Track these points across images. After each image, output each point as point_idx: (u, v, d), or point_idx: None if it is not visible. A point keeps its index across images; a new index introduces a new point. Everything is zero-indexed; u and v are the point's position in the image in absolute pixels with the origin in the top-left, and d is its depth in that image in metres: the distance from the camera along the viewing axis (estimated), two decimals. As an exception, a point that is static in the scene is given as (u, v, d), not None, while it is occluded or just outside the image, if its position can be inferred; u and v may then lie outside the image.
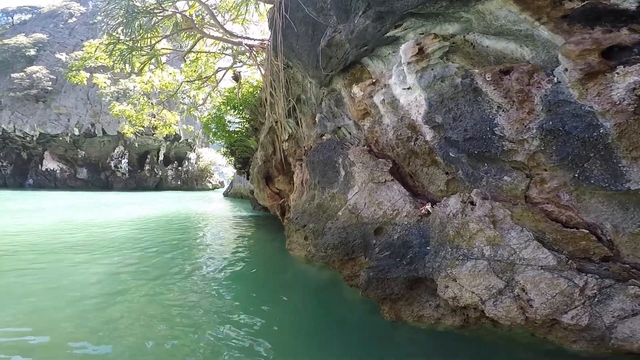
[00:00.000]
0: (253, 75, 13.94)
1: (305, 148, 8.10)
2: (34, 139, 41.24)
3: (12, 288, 5.33)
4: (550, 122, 2.93)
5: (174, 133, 41.19)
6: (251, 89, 12.66)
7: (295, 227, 6.59)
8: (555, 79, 3.00)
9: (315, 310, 4.97)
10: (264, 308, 4.84)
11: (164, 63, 13.22)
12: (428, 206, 4.25)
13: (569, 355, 2.86)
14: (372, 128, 5.24)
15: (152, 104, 13.94)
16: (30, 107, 41.53)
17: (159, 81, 12.87)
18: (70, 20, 50.49)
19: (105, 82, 14.47)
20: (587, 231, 2.71)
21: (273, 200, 11.21)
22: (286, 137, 10.71)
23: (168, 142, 42.75)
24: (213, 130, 13.32)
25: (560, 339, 2.81)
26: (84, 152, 42.31)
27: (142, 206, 18.59)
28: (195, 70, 12.94)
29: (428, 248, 3.77)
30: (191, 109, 14.38)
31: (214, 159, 48.37)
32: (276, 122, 10.22)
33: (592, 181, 2.67)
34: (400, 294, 3.84)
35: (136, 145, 41.28)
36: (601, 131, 2.65)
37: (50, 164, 43.21)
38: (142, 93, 13.65)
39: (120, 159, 42.41)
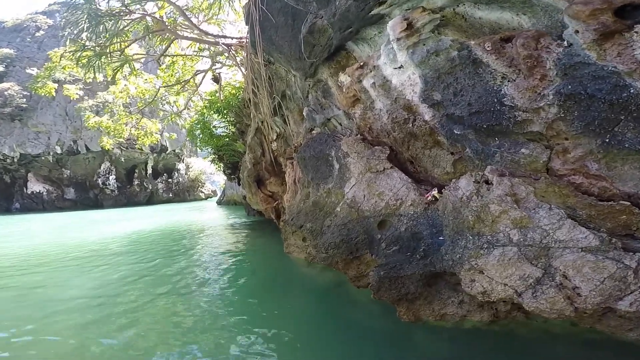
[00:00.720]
0: (234, 76, 13.51)
1: (295, 145, 7.70)
2: (15, 160, 40.00)
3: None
4: (569, 87, 2.58)
5: (158, 143, 40.40)
6: (234, 91, 12.22)
7: (291, 228, 6.20)
8: (566, 42, 2.68)
9: (322, 316, 4.58)
10: (268, 316, 4.46)
11: (138, 69, 12.67)
12: (434, 192, 3.89)
13: (614, 343, 2.52)
14: (364, 115, 4.87)
15: (130, 113, 13.34)
16: (6, 127, 40.04)
17: (134, 89, 12.30)
18: (37, 34, 48.69)
19: (77, 94, 13.83)
20: (629, 203, 2.36)
21: (267, 204, 10.79)
22: (274, 137, 10.32)
23: (155, 154, 41.91)
24: (198, 136, 12.81)
25: (612, 329, 2.47)
26: (69, 171, 41.27)
27: (134, 221, 18.01)
28: (172, 75, 12.42)
29: (442, 238, 3.41)
30: (172, 116, 13.83)
31: (203, 168, 47.64)
32: (262, 122, 9.80)
33: (627, 145, 2.33)
34: (417, 293, 3.47)
35: (122, 160, 40.39)
36: (632, 91, 2.31)
37: (35, 186, 42.05)
38: (118, 103, 13.06)
39: (107, 175, 41.47)
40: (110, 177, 41.40)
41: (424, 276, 3.41)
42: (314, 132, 6.90)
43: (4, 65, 43.95)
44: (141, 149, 39.22)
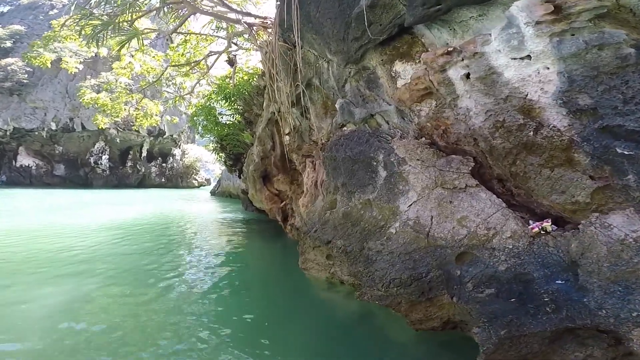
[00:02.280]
0: (247, 62, 12.20)
1: (321, 142, 6.47)
2: (7, 133, 38.09)
3: None
4: None
5: (156, 126, 38.72)
6: (246, 77, 10.92)
7: (313, 242, 4.97)
8: None
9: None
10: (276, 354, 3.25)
11: (146, 45, 11.27)
12: (547, 223, 2.73)
13: None
14: (438, 114, 3.67)
15: (130, 91, 11.90)
16: (4, 101, 38.31)
17: (140, 66, 10.92)
18: (50, 12, 47.03)
19: (76, 68, 12.38)
20: None
21: (272, 203, 9.53)
22: (288, 130, 9.06)
23: (152, 138, 40.22)
24: (201, 123, 11.48)
25: None
26: (61, 148, 39.41)
27: (122, 207, 16.58)
28: (182, 55, 11.07)
29: (561, 282, 2.33)
30: (177, 98, 12.44)
31: (200, 156, 46.02)
32: (278, 111, 8.54)
33: None
34: (539, 352, 2.35)
35: (118, 140, 38.66)
36: None
37: (25, 159, 40.13)
38: (120, 81, 11.61)
39: (100, 154, 39.68)
40: (103, 157, 39.62)
41: (554, 333, 2.28)
42: (345, 128, 5.67)
43: (12, 41, 42.31)
44: (138, 131, 37.52)
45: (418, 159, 3.75)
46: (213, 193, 29.70)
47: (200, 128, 11.87)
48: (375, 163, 4.35)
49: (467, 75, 3.24)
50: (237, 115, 12.15)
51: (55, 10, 47.88)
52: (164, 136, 40.66)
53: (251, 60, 12.16)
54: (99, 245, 7.80)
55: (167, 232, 9.93)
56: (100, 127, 12.49)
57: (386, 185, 4.13)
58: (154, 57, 11.14)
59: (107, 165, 39.86)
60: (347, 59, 5.04)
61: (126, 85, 11.87)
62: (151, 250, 7.47)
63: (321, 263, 5.04)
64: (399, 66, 4.32)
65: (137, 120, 12.46)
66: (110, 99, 11.41)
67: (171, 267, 6.22)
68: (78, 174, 40.02)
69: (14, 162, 39.75)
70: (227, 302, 4.94)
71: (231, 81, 10.36)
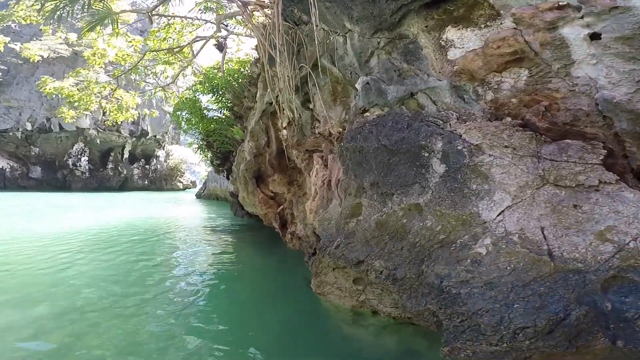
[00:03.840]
0: (238, 50, 10.76)
1: (337, 132, 5.17)
2: (-21, 134, 35.28)
3: None
4: None
5: (138, 127, 36.56)
6: (237, 65, 9.53)
7: (333, 262, 3.65)
8: None
9: None
10: None
11: (122, 30, 9.70)
12: None
13: None
14: (538, 85, 2.43)
15: (103, 81, 10.24)
16: (-25, 100, 35.49)
17: (113, 53, 9.34)
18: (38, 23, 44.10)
19: (38, 56, 10.65)
20: None
21: (267, 207, 8.16)
22: (285, 123, 7.75)
23: (134, 139, 38.03)
24: (185, 116, 9.98)
25: None
26: (37, 149, 36.77)
27: (101, 211, 14.84)
28: (164, 40, 9.58)
29: None
30: (157, 89, 10.85)
31: (185, 157, 43.97)
32: (275, 101, 7.20)
33: None
34: None
35: (98, 141, 36.36)
36: None
37: (-2, 161, 37.28)
38: (90, 70, 9.97)
39: (79, 156, 37.25)
40: (82, 159, 37.16)
41: None
42: (368, 114, 4.38)
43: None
44: (119, 132, 35.41)
45: (506, 146, 2.49)
46: (199, 196, 27.95)
47: (183, 123, 10.36)
48: (426, 154, 3.07)
49: (593, 36, 2.03)
50: (224, 110, 10.73)
51: (42, 20, 45.08)
52: (147, 137, 38.52)
53: (242, 50, 10.72)
54: (61, 258, 6.27)
55: (146, 242, 8.42)
56: (66, 121, 10.77)
57: (447, 183, 2.86)
58: (130, 42, 9.54)
59: (87, 167, 37.45)
60: (377, 26, 3.81)
61: (97, 74, 10.22)
62: (124, 266, 6.00)
63: (345, 288, 3.72)
64: (452, 33, 3.14)
65: (111, 114, 10.78)
66: (78, 89, 9.73)
67: (145, 293, 4.78)
68: (55, 177, 37.42)
69: (-14, 165, 36.89)
70: (219, 338, 3.57)
71: (220, 69, 8.92)
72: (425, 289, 2.61)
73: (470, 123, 2.88)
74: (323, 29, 5.40)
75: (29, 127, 35.47)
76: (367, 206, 3.67)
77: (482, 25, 2.92)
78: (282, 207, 7.70)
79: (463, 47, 3.10)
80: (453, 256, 2.62)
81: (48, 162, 37.39)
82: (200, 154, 12.16)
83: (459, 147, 2.77)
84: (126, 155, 39.15)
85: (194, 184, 45.85)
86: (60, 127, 34.74)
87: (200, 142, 11.10)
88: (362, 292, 3.54)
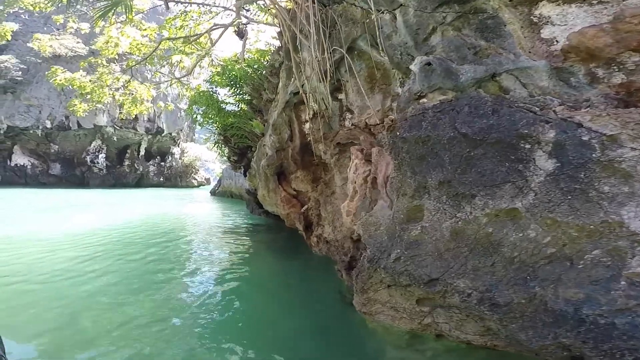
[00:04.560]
0: (257, 40, 10.04)
1: (374, 122, 4.40)
2: (1, 132, 35.68)
3: None
4: None
5: (154, 123, 36.37)
6: (257, 54, 8.83)
7: (389, 277, 2.90)
8: None
9: None
10: None
11: (138, 19, 9.08)
12: None
13: None
14: None
15: (116, 72, 9.65)
16: (-3, 99, 35.87)
17: (127, 42, 8.72)
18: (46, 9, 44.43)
19: (50, 45, 10.11)
20: None
21: (290, 206, 7.44)
22: (310, 116, 7.02)
23: (150, 136, 37.91)
24: (200, 111, 9.29)
25: None
26: (57, 147, 37.01)
27: (118, 208, 14.38)
28: (180, 28, 8.93)
29: None
30: (173, 81, 10.21)
31: (199, 155, 43.73)
32: (302, 90, 6.47)
33: None
34: None
35: (115, 139, 36.34)
36: None
37: (20, 158, 37.65)
38: (103, 59, 9.37)
39: (97, 153, 37.32)
40: (100, 156, 37.22)
41: None
42: (424, 100, 3.58)
43: (6, 39, 39.82)
44: (136, 129, 35.31)
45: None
46: (213, 193, 27.47)
47: (199, 117, 9.67)
48: (527, 146, 2.28)
49: None
50: (242, 103, 10.04)
51: (52, 8, 45.42)
52: (163, 134, 38.36)
53: (260, 40, 9.99)
54: (68, 263, 5.68)
55: (159, 242, 7.81)
56: (78, 115, 10.20)
57: (559, 184, 2.07)
58: (144, 30, 8.90)
59: (104, 165, 37.50)
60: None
61: (108, 65, 9.60)
62: (136, 271, 5.37)
63: (404, 309, 2.95)
64: (548, 9, 2.40)
65: (125, 107, 10.20)
66: (90, 80, 9.15)
67: (155, 305, 4.11)
68: (74, 173, 37.62)
69: (8, 162, 37.23)
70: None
71: (240, 57, 8.20)
72: (549, 317, 1.84)
73: (592, 110, 2.08)
74: (361, 8, 4.66)
75: (48, 124, 35.71)
76: (432, 210, 2.90)
77: (594, 2, 2.20)
78: (306, 207, 6.96)
79: (566, 25, 2.37)
80: (584, 276, 1.84)
81: (67, 159, 37.60)
82: (217, 150, 11.50)
83: (584, 138, 1.98)
84: (142, 152, 39.11)
85: (207, 181, 45.61)
86: (79, 125, 34.84)
87: (217, 138, 10.44)
88: (429, 315, 2.78)
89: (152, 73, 11.06)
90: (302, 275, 5.58)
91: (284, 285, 5.18)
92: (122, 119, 35.16)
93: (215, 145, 11.09)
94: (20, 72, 36.53)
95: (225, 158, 12.98)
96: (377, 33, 4.33)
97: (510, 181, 2.38)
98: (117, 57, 9.43)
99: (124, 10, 7.86)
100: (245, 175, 12.09)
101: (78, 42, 35.49)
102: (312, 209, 6.78)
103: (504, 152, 2.42)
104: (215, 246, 7.63)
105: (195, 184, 44.12)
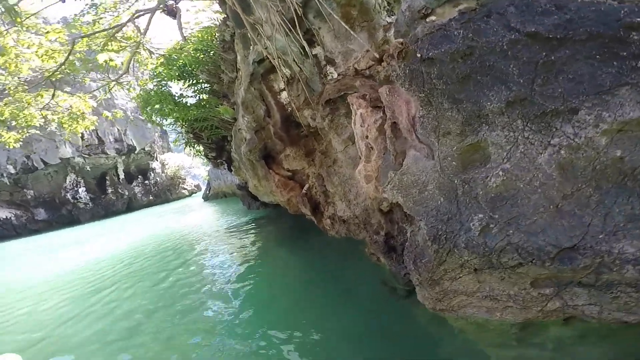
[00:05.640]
0: (198, 23, 8.46)
1: (397, 47, 3.23)
2: (-31, 191, 33.22)
3: None
4: None
5: (123, 143, 34.18)
6: (204, 35, 7.42)
7: (479, 259, 1.85)
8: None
9: None
10: None
11: (37, 21, 7.39)
12: None
13: None
14: None
15: (31, 88, 7.89)
16: (-53, 160, 33.07)
17: (32, 51, 7.00)
18: None
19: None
20: None
21: (288, 190, 6.34)
22: (284, 83, 5.83)
23: (123, 157, 35.85)
24: (154, 108, 7.87)
25: None
26: (32, 191, 34.76)
27: (105, 239, 13.12)
28: (95, 24, 7.36)
29: None
30: (110, 84, 8.63)
31: (181, 163, 41.87)
32: (266, 54, 5.22)
33: None
34: None
35: (88, 168, 34.26)
36: None
37: (0, 212, 35.38)
38: (15, 79, 7.71)
39: (76, 188, 35.26)
40: (80, 190, 35.14)
41: None
42: (433, 18, 2.42)
43: None
44: (106, 153, 33.26)
45: None
46: (206, 198, 26.16)
47: (153, 116, 8.25)
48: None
49: None
50: (203, 95, 8.66)
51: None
52: (136, 152, 36.30)
53: (202, 22, 8.37)
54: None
55: (158, 269, 6.70)
56: (11, 146, 8.64)
57: None
58: (48, 33, 7.13)
59: (87, 198, 35.53)
60: None
61: (21, 81, 7.94)
62: (160, 300, 4.30)
63: (508, 296, 1.93)
64: None
65: (65, 125, 8.62)
66: (5, 103, 7.52)
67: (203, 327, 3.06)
68: (61, 214, 35.61)
69: (-10, 218, 35.01)
70: None
71: (181, 39, 6.81)
72: None
73: None
74: None
75: (12, 170, 33.29)
76: (502, 144, 1.85)
77: None
78: (307, 186, 5.86)
79: None
80: None
81: (48, 202, 35.48)
82: (190, 149, 10.18)
83: None
84: (122, 175, 37.12)
85: (198, 187, 43.98)
86: (44, 162, 32.57)
87: (186, 137, 9.12)
88: (555, 298, 1.77)
89: (81, 79, 9.35)
90: (325, 266, 4.57)
91: (310, 282, 4.16)
92: (87, 145, 32.96)
93: (187, 146, 9.78)
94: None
95: (202, 156, 11.66)
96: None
97: (628, 83, 1.34)
98: (31, 72, 7.81)
99: (9, 15, 6.22)
100: (230, 170, 10.87)
101: None
102: (314, 187, 5.69)
103: (606, 48, 1.38)
104: (223, 252, 6.56)
105: (187, 194, 42.48)
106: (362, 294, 3.30)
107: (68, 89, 9.94)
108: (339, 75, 4.28)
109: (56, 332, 3.97)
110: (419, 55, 2.35)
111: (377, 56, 3.42)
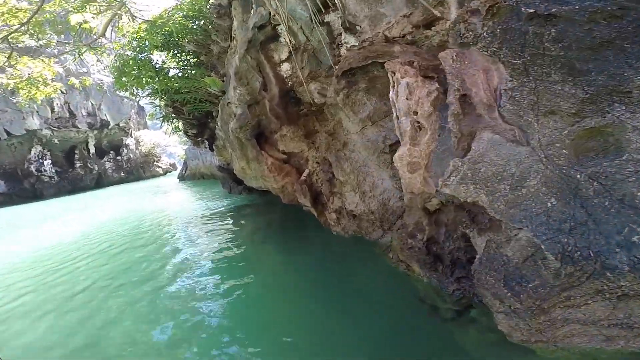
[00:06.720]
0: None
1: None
2: None
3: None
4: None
5: (87, 112, 31.67)
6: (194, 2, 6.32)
7: (629, 280, 1.18)
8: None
9: None
10: None
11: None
12: None
13: None
14: None
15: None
16: None
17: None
18: None
19: None
20: None
21: (284, 176, 5.52)
22: (286, 54, 4.99)
23: (95, 131, 33.36)
24: (131, 75, 6.68)
25: None
26: (-7, 162, 31.68)
27: (70, 219, 11.78)
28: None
29: None
30: (81, 49, 7.28)
31: (157, 141, 39.61)
32: (274, 13, 4.33)
33: None
34: None
35: (56, 141, 31.59)
36: None
37: (-45, 183, 32.13)
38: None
39: (41, 160, 32.47)
40: (45, 163, 32.37)
41: None
42: None
43: None
44: (76, 127, 30.75)
45: None
46: (181, 178, 24.66)
47: (129, 86, 7.04)
48: None
49: None
50: (188, 69, 7.56)
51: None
52: (109, 127, 33.86)
53: None
54: None
55: (128, 261, 5.75)
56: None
57: None
58: None
59: (53, 171, 32.82)
60: None
61: None
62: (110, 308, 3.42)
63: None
64: None
65: (21, 91, 7.26)
66: None
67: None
68: (23, 187, 32.75)
69: (-57, 189, 31.70)
70: None
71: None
72: None
73: None
74: None
75: (-27, 140, 30.17)
76: None
77: None
78: (307, 172, 5.08)
79: None
80: None
81: (9, 174, 32.50)
82: (168, 124, 9.02)
83: None
84: (92, 150, 34.60)
85: (173, 166, 41.92)
86: (8, 133, 29.65)
87: (165, 110, 7.99)
88: None
89: (50, 43, 7.93)
90: (335, 274, 3.72)
91: (314, 294, 3.28)
92: (57, 118, 30.33)
93: (165, 121, 8.64)
94: None
95: (182, 134, 10.52)
96: None
97: None
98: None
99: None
100: (212, 150, 9.84)
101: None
102: (316, 174, 4.91)
103: None
104: (202, 247, 5.67)
105: (162, 172, 40.39)
106: (390, 312, 2.56)
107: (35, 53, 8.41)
108: (363, 42, 3.48)
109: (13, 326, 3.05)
110: (527, 10, 1.62)
111: (411, 28, 2.64)
